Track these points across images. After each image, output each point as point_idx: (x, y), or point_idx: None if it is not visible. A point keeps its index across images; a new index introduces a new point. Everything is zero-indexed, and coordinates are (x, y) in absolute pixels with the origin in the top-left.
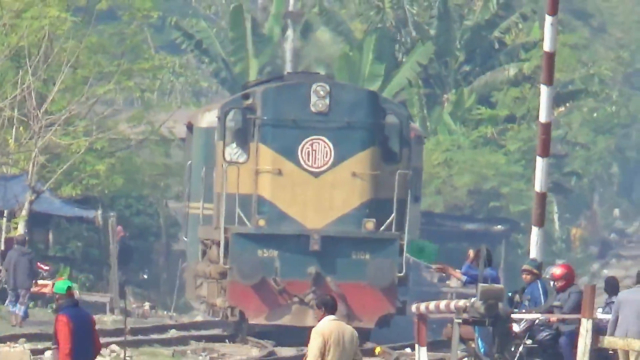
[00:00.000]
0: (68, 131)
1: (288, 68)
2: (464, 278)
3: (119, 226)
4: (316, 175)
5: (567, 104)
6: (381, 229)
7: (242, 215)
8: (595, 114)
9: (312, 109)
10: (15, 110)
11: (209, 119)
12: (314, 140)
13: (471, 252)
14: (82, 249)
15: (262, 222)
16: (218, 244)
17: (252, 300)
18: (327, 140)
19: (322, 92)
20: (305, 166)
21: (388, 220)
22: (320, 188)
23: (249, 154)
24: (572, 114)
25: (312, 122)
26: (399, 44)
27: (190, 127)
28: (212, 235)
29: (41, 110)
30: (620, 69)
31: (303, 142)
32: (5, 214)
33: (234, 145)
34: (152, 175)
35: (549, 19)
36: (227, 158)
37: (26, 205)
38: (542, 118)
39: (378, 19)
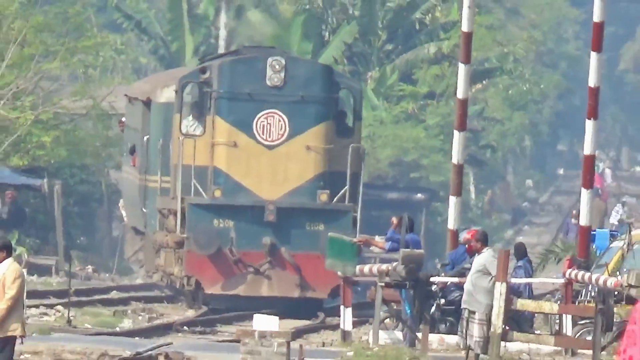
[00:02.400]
0: (15, 105)
1: (221, 47)
2: (387, 246)
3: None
4: (271, 148)
5: (484, 82)
6: (334, 200)
7: (198, 186)
8: (510, 91)
9: (268, 82)
10: None
11: (167, 94)
12: (269, 114)
13: (394, 219)
14: (30, 215)
15: (218, 193)
16: (175, 214)
17: (208, 269)
18: (281, 114)
19: (277, 66)
20: (260, 139)
21: (341, 192)
22: (275, 160)
23: (205, 126)
24: (488, 91)
25: (267, 96)
26: (325, 24)
27: (147, 102)
28: (170, 205)
29: None
30: (532, 48)
31: (258, 115)
32: None
33: (190, 118)
34: (94, 146)
35: (466, 1)
36: (184, 131)
37: None
38: (460, 94)
39: (306, 0)
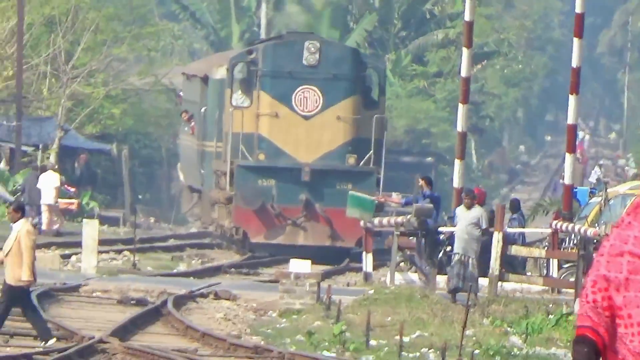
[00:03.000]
0: (90, 82)
1: (262, 34)
2: (403, 202)
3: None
4: (307, 118)
5: (483, 63)
6: (361, 163)
7: (244, 150)
8: (505, 70)
9: (305, 62)
10: (48, 66)
11: (221, 72)
12: (306, 89)
13: (421, 181)
14: (101, 175)
15: (261, 157)
16: (226, 175)
17: (253, 221)
18: (316, 89)
19: (313, 49)
20: (298, 110)
21: (366, 157)
22: (311, 129)
23: (252, 100)
24: (487, 70)
25: (304, 74)
26: (349, 14)
27: (205, 79)
28: (222, 167)
29: (68, 66)
30: (524, 34)
31: (296, 90)
32: (40, 147)
33: (240, 92)
34: (156, 116)
35: None
36: (234, 103)
37: (56, 141)
38: (463, 73)
39: None
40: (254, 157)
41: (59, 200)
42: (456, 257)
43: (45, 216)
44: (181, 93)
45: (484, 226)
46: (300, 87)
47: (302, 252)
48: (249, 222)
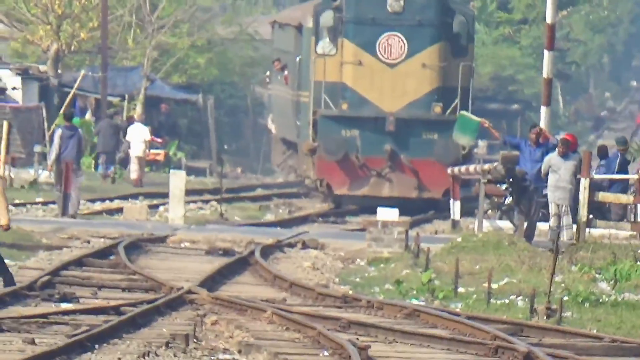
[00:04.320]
0: (175, 32)
1: None
2: (502, 138)
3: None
4: (392, 66)
5: (568, 9)
6: (447, 112)
7: (327, 100)
8: (590, 16)
9: (389, 9)
10: (133, 16)
11: None
12: (390, 36)
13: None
14: (187, 125)
15: (344, 106)
16: (310, 125)
17: (336, 173)
18: (401, 36)
19: None
20: (382, 58)
21: (453, 105)
22: (395, 77)
23: (337, 47)
24: (572, 17)
25: (388, 20)
26: None
27: (299, 28)
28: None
29: (154, 16)
30: None
31: (381, 38)
32: (126, 98)
33: (327, 40)
34: (241, 66)
35: None
36: (320, 52)
37: (142, 90)
38: (548, 20)
39: None
40: (338, 107)
41: (151, 151)
42: (563, 208)
43: (134, 168)
44: (276, 62)
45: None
46: (385, 34)
47: (387, 204)
48: (332, 174)
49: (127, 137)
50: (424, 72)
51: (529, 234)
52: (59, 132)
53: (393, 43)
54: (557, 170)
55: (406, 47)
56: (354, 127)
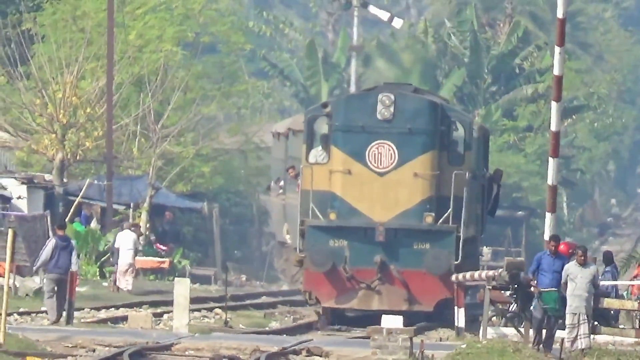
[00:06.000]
0: (179, 141)
1: (352, 91)
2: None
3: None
4: (382, 174)
5: (573, 117)
6: (439, 222)
7: (315, 209)
8: (595, 124)
9: (379, 116)
10: (138, 125)
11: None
12: (380, 144)
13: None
14: (192, 233)
15: (333, 216)
16: (299, 236)
17: (324, 285)
18: (391, 144)
19: (387, 102)
20: (372, 167)
21: (445, 215)
22: (386, 186)
23: (329, 156)
24: (577, 124)
25: (378, 128)
26: (439, 69)
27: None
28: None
29: (158, 125)
30: (614, 88)
31: (370, 146)
32: (131, 206)
33: (320, 148)
34: (246, 175)
35: (557, 49)
36: (312, 160)
37: (147, 199)
38: (553, 127)
39: (423, 50)
40: (326, 217)
41: (153, 258)
42: (579, 317)
43: (121, 276)
44: (291, 171)
45: (597, 283)
46: (375, 142)
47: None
48: (319, 286)
49: (116, 245)
50: (416, 181)
51: (549, 344)
52: (52, 242)
53: (383, 151)
54: (574, 279)
55: (396, 155)
56: (342, 237)
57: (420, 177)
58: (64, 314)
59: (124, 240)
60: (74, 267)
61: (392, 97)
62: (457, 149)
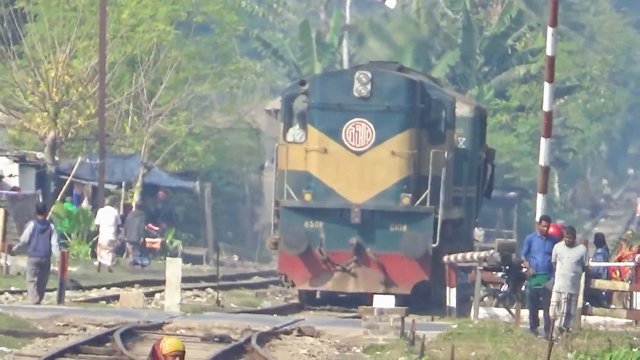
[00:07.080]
0: (172, 120)
1: None
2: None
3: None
4: (359, 154)
5: (565, 97)
6: (416, 203)
7: (290, 190)
8: (587, 105)
9: (355, 94)
10: (131, 104)
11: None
12: (357, 122)
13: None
14: (184, 213)
15: (308, 197)
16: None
17: (299, 267)
18: (368, 122)
19: (364, 79)
20: (349, 145)
21: (423, 196)
22: (363, 165)
23: (306, 134)
24: (569, 105)
25: (355, 106)
26: (432, 50)
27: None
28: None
29: (151, 104)
30: (606, 69)
31: (347, 124)
32: (123, 185)
33: (297, 127)
34: (238, 154)
35: (550, 30)
36: (290, 139)
37: (140, 178)
38: (545, 107)
39: (416, 31)
40: (301, 198)
41: (147, 239)
42: (562, 296)
43: (103, 251)
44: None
45: (587, 264)
46: (351, 121)
47: (351, 300)
48: (294, 268)
49: (96, 221)
50: (393, 160)
51: (546, 325)
52: (30, 225)
53: (360, 130)
54: (561, 259)
55: (374, 133)
56: (317, 218)
57: (397, 156)
58: (56, 293)
59: (105, 217)
60: (54, 250)
61: (369, 74)
62: (438, 128)
